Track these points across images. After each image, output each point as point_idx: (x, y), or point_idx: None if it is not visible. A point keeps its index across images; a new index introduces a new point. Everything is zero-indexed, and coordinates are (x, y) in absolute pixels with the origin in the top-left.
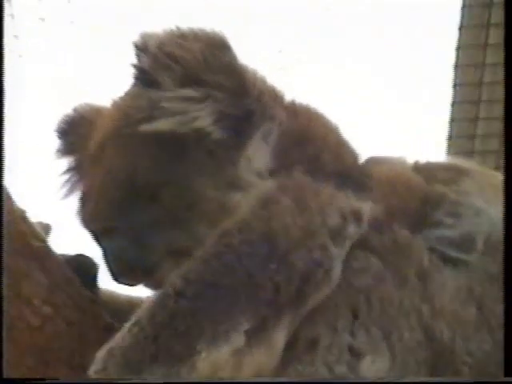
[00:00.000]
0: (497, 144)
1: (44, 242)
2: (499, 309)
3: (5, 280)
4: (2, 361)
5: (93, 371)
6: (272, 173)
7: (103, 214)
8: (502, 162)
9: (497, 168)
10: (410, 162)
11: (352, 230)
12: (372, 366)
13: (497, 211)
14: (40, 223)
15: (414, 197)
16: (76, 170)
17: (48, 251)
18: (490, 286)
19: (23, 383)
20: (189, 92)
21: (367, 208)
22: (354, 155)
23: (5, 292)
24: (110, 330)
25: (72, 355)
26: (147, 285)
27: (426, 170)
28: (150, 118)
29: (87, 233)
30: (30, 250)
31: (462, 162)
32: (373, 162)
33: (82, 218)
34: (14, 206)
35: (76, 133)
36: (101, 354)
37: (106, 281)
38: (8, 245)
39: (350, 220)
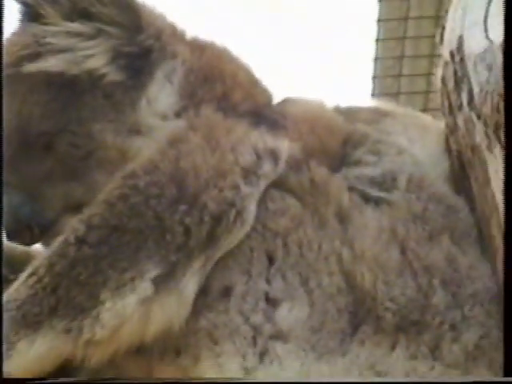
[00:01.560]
0: (424, 84)
1: None
2: (423, 251)
3: None
4: (2, 361)
5: None
6: (179, 113)
7: None
8: (429, 104)
9: (424, 110)
10: (328, 104)
11: (267, 168)
12: (289, 314)
13: (421, 150)
14: None
15: (333, 136)
16: None
17: None
18: (413, 225)
19: (23, 383)
20: (77, 26)
21: (284, 146)
22: (266, 94)
23: None
24: (3, 283)
25: None
26: (44, 243)
27: (347, 112)
28: (35, 56)
29: None
30: None
31: (384, 103)
32: (288, 102)
33: None
34: None
35: None
36: None
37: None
38: None
39: (264, 158)
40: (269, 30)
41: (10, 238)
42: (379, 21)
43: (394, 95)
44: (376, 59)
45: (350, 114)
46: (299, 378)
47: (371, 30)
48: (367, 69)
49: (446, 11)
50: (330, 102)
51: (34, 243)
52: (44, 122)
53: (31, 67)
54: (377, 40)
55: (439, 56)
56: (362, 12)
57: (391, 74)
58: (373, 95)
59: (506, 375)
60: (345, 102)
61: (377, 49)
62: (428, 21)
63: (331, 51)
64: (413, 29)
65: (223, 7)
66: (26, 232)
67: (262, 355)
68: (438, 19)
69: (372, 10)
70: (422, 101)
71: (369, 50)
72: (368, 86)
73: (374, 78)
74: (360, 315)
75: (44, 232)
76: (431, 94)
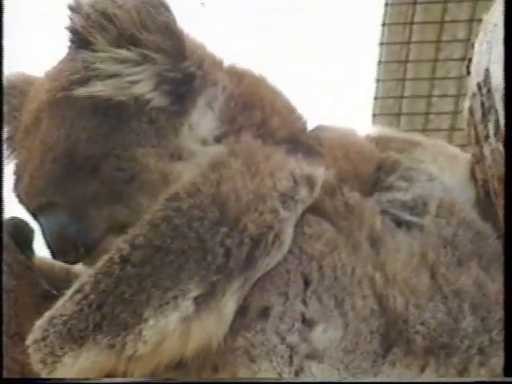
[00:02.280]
0: (424, 105)
1: None
2: (453, 276)
3: None
4: (2, 361)
5: (31, 341)
6: (219, 138)
7: (40, 189)
8: (429, 125)
9: (424, 131)
10: (359, 132)
11: (304, 194)
12: (324, 334)
13: (450, 178)
14: None
15: (366, 162)
16: (8, 142)
17: None
18: (443, 250)
19: (23, 383)
20: (124, 53)
21: (319, 172)
22: (302, 121)
23: None
24: (47, 298)
25: (8, 324)
26: (86, 263)
27: (378, 140)
28: (84, 81)
29: (23, 209)
30: None
31: (413, 134)
32: (322, 129)
33: (18, 194)
34: None
35: (7, 103)
36: (40, 322)
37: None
38: None
39: (301, 184)
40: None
41: (56, 256)
42: (382, 44)
43: (395, 116)
44: (378, 80)
45: (381, 142)
46: None
47: (374, 53)
48: (369, 90)
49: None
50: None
51: (78, 262)
52: (90, 146)
53: (81, 91)
54: (379, 62)
55: (463, 85)
56: (365, 36)
57: (392, 96)
58: (373, 115)
59: (506, 375)
60: (346, 122)
61: (379, 71)
62: (429, 45)
63: (333, 70)
64: (415, 52)
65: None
66: (72, 251)
67: (298, 374)
68: (439, 44)
69: (375, 34)
70: (422, 122)
71: (371, 71)
72: (369, 106)
73: (376, 98)
74: (391, 337)
75: (89, 251)
76: (431, 115)
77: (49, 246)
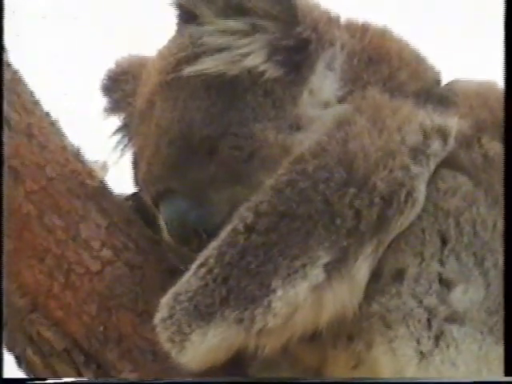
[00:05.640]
0: None
1: (100, 181)
2: None
3: (59, 222)
4: (2, 361)
5: (159, 319)
6: (343, 98)
7: (158, 175)
8: None
9: None
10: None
11: (436, 147)
12: (464, 295)
13: None
14: (96, 162)
15: None
16: (125, 129)
17: (105, 191)
18: None
19: (23, 383)
20: (232, 23)
21: (453, 123)
22: (434, 71)
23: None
24: (175, 274)
25: (135, 301)
26: None
27: None
28: (192, 58)
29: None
30: (86, 190)
31: None
32: (459, 81)
33: (137, 183)
34: (66, 144)
35: (121, 89)
36: (166, 299)
37: None
38: (62, 185)
39: (432, 136)
40: None
41: (178, 244)
42: None
43: None
44: None
45: None
46: (478, 362)
47: None
48: None
49: None
50: None
51: (201, 249)
52: (206, 126)
53: (190, 69)
54: None
55: None
56: None
57: None
58: None
59: (506, 375)
60: None
61: None
62: None
63: None
64: None
65: None
66: (194, 238)
67: (438, 339)
68: None
69: None
70: None
71: None
72: None
73: None
74: None
75: (211, 237)
76: None
77: (171, 235)
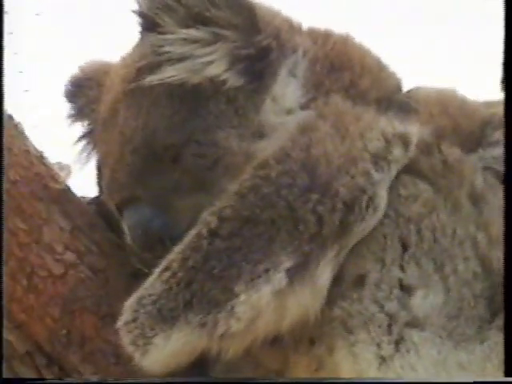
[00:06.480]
0: None
1: (64, 184)
2: None
3: (22, 225)
4: (2, 361)
5: (122, 322)
6: (306, 105)
7: (121, 183)
8: None
9: None
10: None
11: (397, 153)
12: (424, 301)
13: None
14: (59, 164)
15: (468, 117)
16: (89, 135)
17: (69, 194)
18: None
19: (23, 383)
20: (193, 32)
21: (414, 130)
22: (395, 79)
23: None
24: (138, 277)
25: (99, 304)
26: None
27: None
28: (154, 66)
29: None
30: (49, 193)
31: None
32: (420, 88)
33: (101, 187)
34: (30, 147)
35: (85, 95)
36: (130, 303)
37: None
38: (25, 188)
39: (394, 143)
40: None
41: (142, 251)
42: None
43: None
44: None
45: (487, 104)
46: (436, 366)
47: None
48: None
49: None
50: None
51: (165, 256)
52: (169, 134)
53: (152, 78)
54: None
55: None
56: None
57: None
58: None
59: (506, 375)
60: None
61: None
62: None
63: None
64: None
65: None
66: (158, 245)
67: (398, 343)
68: None
69: None
70: None
71: None
72: None
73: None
74: (498, 301)
75: (175, 244)
76: None
77: (134, 242)
